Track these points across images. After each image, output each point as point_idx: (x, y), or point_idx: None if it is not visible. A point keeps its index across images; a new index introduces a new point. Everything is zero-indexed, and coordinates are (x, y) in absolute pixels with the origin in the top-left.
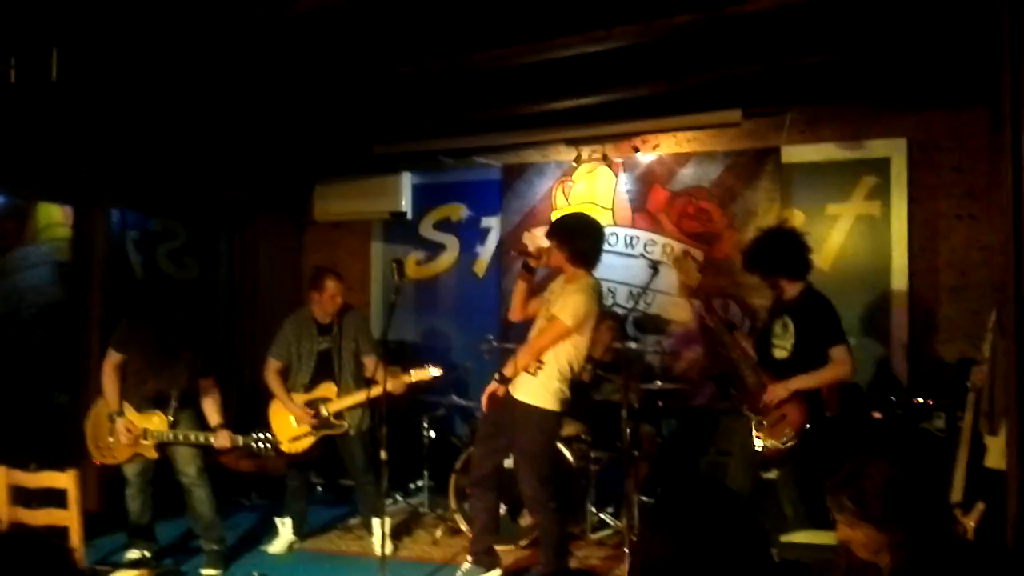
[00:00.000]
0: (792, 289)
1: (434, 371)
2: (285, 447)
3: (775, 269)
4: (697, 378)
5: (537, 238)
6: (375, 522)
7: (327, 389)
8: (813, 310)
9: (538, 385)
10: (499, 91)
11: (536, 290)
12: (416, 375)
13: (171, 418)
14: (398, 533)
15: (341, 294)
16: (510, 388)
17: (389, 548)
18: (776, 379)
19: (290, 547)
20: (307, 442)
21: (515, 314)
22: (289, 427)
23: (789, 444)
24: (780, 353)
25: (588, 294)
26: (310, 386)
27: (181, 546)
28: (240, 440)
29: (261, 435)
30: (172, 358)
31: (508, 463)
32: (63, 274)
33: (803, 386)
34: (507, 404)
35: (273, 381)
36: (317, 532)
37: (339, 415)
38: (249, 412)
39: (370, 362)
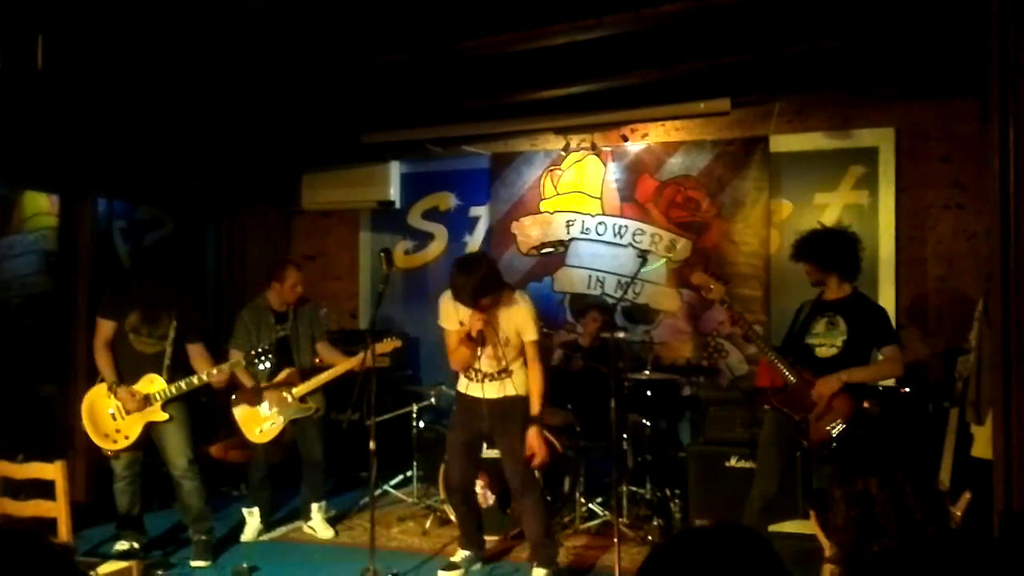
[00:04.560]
0: (840, 289)
1: (394, 342)
2: (254, 438)
3: (833, 266)
4: (686, 368)
5: (526, 227)
6: (314, 507)
7: (290, 374)
8: (870, 311)
9: (514, 380)
10: (488, 79)
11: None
12: (378, 348)
13: (167, 376)
14: (387, 524)
15: (302, 283)
16: (491, 392)
17: (329, 533)
18: (818, 377)
19: (259, 535)
20: (277, 429)
21: (464, 364)
22: (256, 417)
23: (836, 431)
24: (826, 351)
25: (529, 304)
26: (272, 374)
27: (170, 538)
28: (243, 361)
29: (256, 351)
30: (163, 314)
31: (491, 453)
32: (50, 263)
33: (855, 378)
34: (484, 406)
35: (240, 373)
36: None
37: (303, 399)
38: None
39: (322, 347)
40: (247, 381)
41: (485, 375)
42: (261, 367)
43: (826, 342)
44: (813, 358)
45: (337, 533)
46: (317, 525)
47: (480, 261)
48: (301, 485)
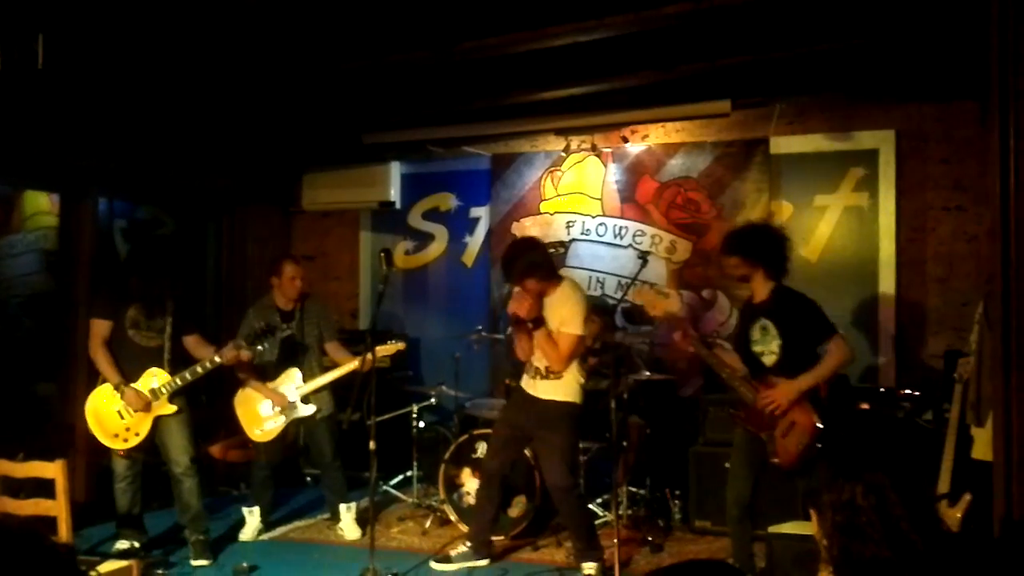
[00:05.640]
0: (764, 290)
1: (397, 345)
2: (255, 437)
3: (759, 258)
4: (685, 369)
5: (526, 227)
6: (342, 508)
7: (292, 375)
8: (793, 308)
9: (565, 383)
10: (489, 80)
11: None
12: (380, 351)
13: (169, 368)
14: (387, 524)
15: (300, 277)
16: (534, 389)
17: (357, 533)
18: (771, 387)
19: (258, 534)
20: (277, 429)
21: (525, 355)
22: (257, 416)
23: (801, 447)
24: (769, 359)
25: (578, 295)
26: (276, 373)
27: (170, 537)
28: (243, 343)
29: (255, 331)
30: (160, 307)
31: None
32: (50, 263)
33: (810, 384)
34: (533, 404)
35: (244, 370)
36: (307, 522)
37: (306, 399)
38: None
39: (332, 347)
40: (248, 370)
41: (538, 371)
42: (260, 347)
43: (765, 350)
44: (762, 367)
45: (364, 534)
46: (346, 526)
47: (531, 244)
48: (322, 488)
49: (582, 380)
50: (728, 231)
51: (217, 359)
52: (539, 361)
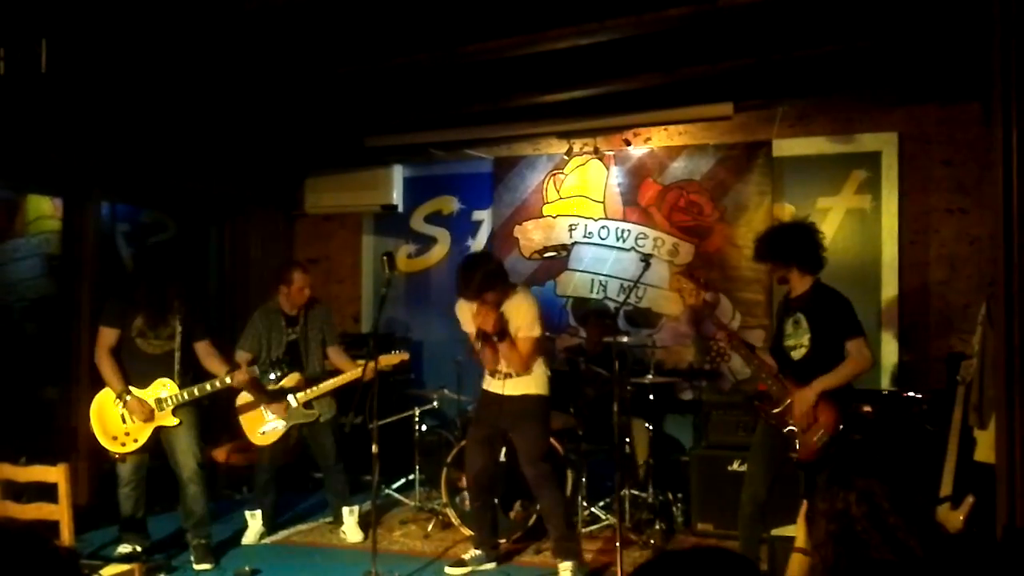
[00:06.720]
0: (801, 285)
1: (401, 355)
2: (256, 440)
3: (789, 258)
4: (688, 372)
5: (528, 231)
6: (345, 511)
7: (296, 379)
8: (826, 303)
9: (534, 378)
10: (491, 83)
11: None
12: (384, 360)
13: (178, 380)
14: (389, 527)
15: (309, 286)
16: (504, 389)
17: (359, 536)
18: (798, 382)
19: (261, 538)
20: (278, 433)
21: (493, 365)
22: (259, 420)
23: (821, 443)
24: (798, 353)
25: (531, 299)
26: (278, 377)
27: (173, 541)
28: (257, 370)
29: (274, 364)
30: (167, 315)
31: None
32: (53, 267)
33: (827, 386)
34: (503, 402)
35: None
36: (309, 525)
37: (309, 404)
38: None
39: (333, 352)
40: (252, 387)
41: (506, 373)
42: (272, 376)
43: (796, 343)
44: (790, 362)
45: (366, 537)
46: (349, 529)
47: (485, 258)
48: (325, 491)
49: (548, 372)
50: (758, 237)
51: (228, 380)
52: (506, 367)
